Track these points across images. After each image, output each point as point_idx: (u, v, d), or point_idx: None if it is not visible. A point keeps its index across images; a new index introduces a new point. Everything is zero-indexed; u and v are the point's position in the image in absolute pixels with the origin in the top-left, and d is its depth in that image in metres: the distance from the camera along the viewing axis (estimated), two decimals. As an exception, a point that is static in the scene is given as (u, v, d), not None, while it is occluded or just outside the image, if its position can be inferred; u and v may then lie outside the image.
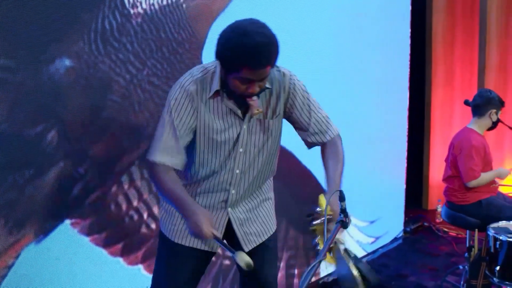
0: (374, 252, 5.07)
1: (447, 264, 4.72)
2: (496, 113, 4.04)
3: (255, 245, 2.41)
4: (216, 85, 2.16)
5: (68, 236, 2.78)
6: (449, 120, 6.39)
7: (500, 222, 3.62)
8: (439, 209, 5.88)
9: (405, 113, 5.49)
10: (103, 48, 2.80)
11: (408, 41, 5.47)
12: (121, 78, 2.90)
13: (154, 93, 3.07)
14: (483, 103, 4.06)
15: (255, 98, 2.12)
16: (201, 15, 3.27)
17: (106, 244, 2.96)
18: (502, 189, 4.33)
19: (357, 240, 4.87)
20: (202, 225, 2.13)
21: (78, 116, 2.75)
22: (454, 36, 6.45)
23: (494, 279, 3.44)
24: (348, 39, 4.54)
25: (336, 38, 4.38)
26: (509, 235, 3.39)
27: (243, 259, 2.12)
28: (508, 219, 3.70)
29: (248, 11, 3.50)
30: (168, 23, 3.10)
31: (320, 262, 1.76)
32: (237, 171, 2.29)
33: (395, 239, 5.40)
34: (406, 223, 5.64)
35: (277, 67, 2.29)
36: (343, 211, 1.98)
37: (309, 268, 1.71)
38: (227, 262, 3.65)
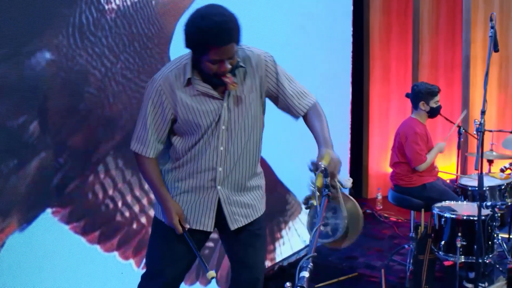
0: (323, 238, 5.35)
1: (391, 245, 5.09)
2: (427, 103, 4.40)
3: (241, 225, 2.57)
4: (188, 74, 2.35)
5: (49, 225, 2.87)
6: (386, 113, 6.79)
7: (443, 202, 3.98)
8: (380, 197, 6.27)
9: (348, 107, 5.82)
10: (81, 42, 2.90)
11: (350, 39, 5.81)
12: (97, 71, 3.01)
13: (127, 86, 3.20)
14: (412, 97, 4.47)
15: (229, 75, 2.30)
16: (168, 12, 3.42)
17: (84, 232, 3.06)
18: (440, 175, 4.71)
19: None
20: (172, 213, 2.46)
21: (58, 107, 2.84)
22: (390, 34, 6.85)
23: (440, 252, 3.79)
24: (292, 38, 4.77)
25: (281, 36, 4.60)
26: (452, 213, 3.76)
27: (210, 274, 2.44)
28: (449, 200, 4.08)
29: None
30: (139, 19, 3.23)
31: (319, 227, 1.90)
32: (221, 148, 2.44)
33: (342, 225, 5.70)
34: (351, 211, 5.95)
35: (250, 49, 2.49)
36: (328, 186, 2.19)
37: (313, 231, 1.86)
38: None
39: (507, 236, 4.44)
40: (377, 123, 6.74)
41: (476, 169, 3.50)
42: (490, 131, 5.03)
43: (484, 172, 4.68)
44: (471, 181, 4.35)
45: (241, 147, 2.50)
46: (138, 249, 3.34)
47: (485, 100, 3.52)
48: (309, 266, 1.64)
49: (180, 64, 2.40)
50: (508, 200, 4.22)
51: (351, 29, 5.79)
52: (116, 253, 3.25)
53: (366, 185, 6.80)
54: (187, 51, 2.38)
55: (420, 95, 4.41)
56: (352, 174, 6.16)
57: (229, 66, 2.27)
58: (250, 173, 2.58)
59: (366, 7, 6.75)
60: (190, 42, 2.27)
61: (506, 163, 4.56)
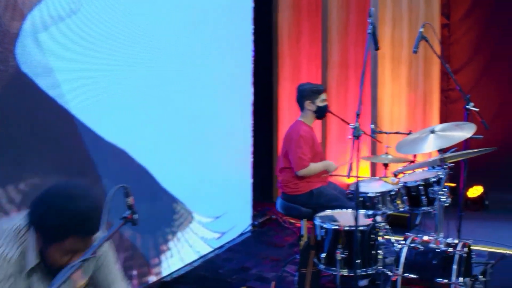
0: (221, 247, 5.07)
1: (289, 254, 4.83)
2: (313, 102, 4.17)
3: None
4: (32, 261, 1.89)
5: None
6: (296, 113, 6.47)
7: (326, 210, 3.74)
8: (287, 201, 6.03)
9: (250, 108, 5.55)
10: None
11: (251, 37, 5.53)
12: None
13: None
14: (298, 98, 4.25)
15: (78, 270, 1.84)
16: (13, 7, 3.05)
17: None
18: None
19: (202, 236, 4.84)
20: None
21: None
22: (300, 33, 6.63)
23: (321, 265, 3.54)
24: (187, 36, 4.49)
25: (174, 35, 4.32)
26: (333, 223, 3.51)
27: None
28: (337, 208, 3.83)
29: (67, 5, 3.35)
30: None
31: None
32: None
33: (243, 233, 5.44)
34: (254, 217, 5.71)
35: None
36: (130, 207, 1.89)
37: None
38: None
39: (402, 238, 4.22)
40: (287, 124, 6.43)
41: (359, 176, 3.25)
42: (386, 133, 4.86)
43: (377, 177, 4.52)
44: (363, 186, 4.12)
45: None
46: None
47: (360, 102, 3.27)
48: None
49: (21, 245, 1.89)
50: (400, 206, 4.01)
51: (252, 27, 5.51)
52: None
53: (276, 189, 6.55)
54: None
55: (305, 94, 4.18)
56: (260, 178, 5.91)
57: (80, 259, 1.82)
58: None
59: (275, 4, 6.51)
60: (44, 224, 1.83)
61: (400, 166, 4.36)
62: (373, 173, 6.02)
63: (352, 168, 3.10)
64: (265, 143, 6.40)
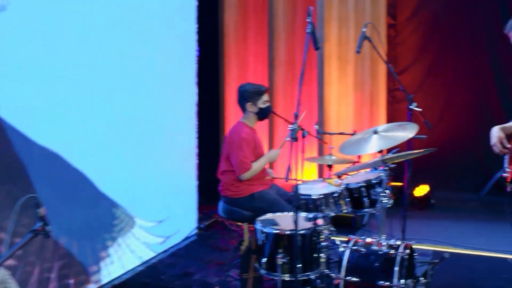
0: (164, 252, 4.94)
1: (234, 257, 4.71)
2: (255, 104, 4.10)
3: None
4: None
5: None
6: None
7: (267, 214, 3.65)
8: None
9: (194, 109, 5.43)
10: None
11: (195, 37, 5.41)
12: None
13: None
14: (239, 99, 4.15)
15: None
16: None
17: None
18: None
19: (145, 241, 4.71)
20: None
21: None
22: (246, 32, 6.55)
23: (262, 271, 3.45)
24: (126, 35, 4.36)
25: (112, 33, 4.18)
26: (274, 227, 3.43)
27: None
28: (278, 211, 3.75)
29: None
30: None
31: None
32: None
33: (188, 236, 5.32)
34: (200, 220, 5.60)
35: None
36: (42, 218, 1.76)
37: None
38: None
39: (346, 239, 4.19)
40: (234, 125, 6.40)
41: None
42: (330, 133, 4.83)
43: (321, 178, 4.47)
44: (307, 189, 4.06)
45: None
46: None
47: (299, 103, 3.19)
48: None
49: None
50: (343, 208, 3.97)
51: (196, 26, 5.39)
52: None
53: (223, 190, 6.45)
54: None
55: (246, 95, 4.09)
56: (206, 179, 5.80)
57: None
58: None
59: (221, 3, 6.42)
60: None
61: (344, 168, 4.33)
62: (321, 175, 5.99)
63: (291, 171, 3.03)
64: (212, 144, 6.29)
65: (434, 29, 7.11)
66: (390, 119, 6.77)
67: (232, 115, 6.42)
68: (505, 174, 2.98)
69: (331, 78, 6.06)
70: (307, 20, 3.27)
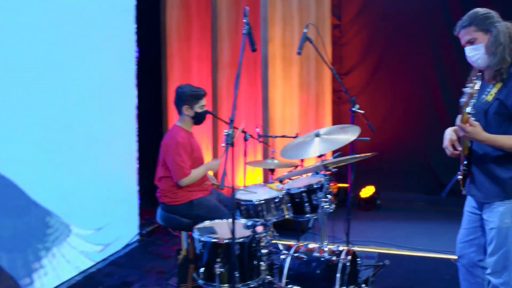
0: (104, 260, 4.76)
1: (175, 265, 4.56)
2: (192, 108, 3.98)
3: None
4: None
5: None
6: (187, 116, 6.31)
7: (205, 222, 3.53)
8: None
9: (134, 111, 5.25)
10: None
11: (134, 37, 5.24)
12: None
13: None
14: (176, 101, 4.03)
15: None
16: None
17: None
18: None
19: (82, 250, 4.51)
20: None
21: None
22: (190, 32, 6.40)
23: (200, 281, 3.33)
24: (60, 35, 4.16)
25: (45, 33, 3.98)
26: (211, 236, 3.30)
27: None
28: (217, 219, 3.63)
29: None
30: None
31: None
32: None
33: (129, 243, 5.15)
34: (142, 226, 5.43)
35: None
36: None
37: None
38: None
39: (289, 243, 4.10)
40: (178, 128, 6.24)
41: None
42: (271, 136, 4.75)
43: (262, 183, 4.37)
44: (248, 194, 3.95)
45: None
46: None
47: (234, 107, 3.09)
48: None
49: None
50: (285, 213, 3.88)
51: (135, 26, 5.22)
52: None
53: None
54: None
55: (184, 98, 3.96)
56: (148, 184, 5.62)
57: None
58: None
59: (163, 3, 6.25)
60: None
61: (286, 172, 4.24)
62: (266, 179, 5.89)
63: (227, 177, 2.91)
64: (154, 148, 6.10)
65: (379, 30, 7.13)
66: (336, 120, 6.74)
67: (175, 117, 6.19)
68: (459, 177, 2.94)
69: (275, 79, 5.97)
70: (243, 21, 3.16)
